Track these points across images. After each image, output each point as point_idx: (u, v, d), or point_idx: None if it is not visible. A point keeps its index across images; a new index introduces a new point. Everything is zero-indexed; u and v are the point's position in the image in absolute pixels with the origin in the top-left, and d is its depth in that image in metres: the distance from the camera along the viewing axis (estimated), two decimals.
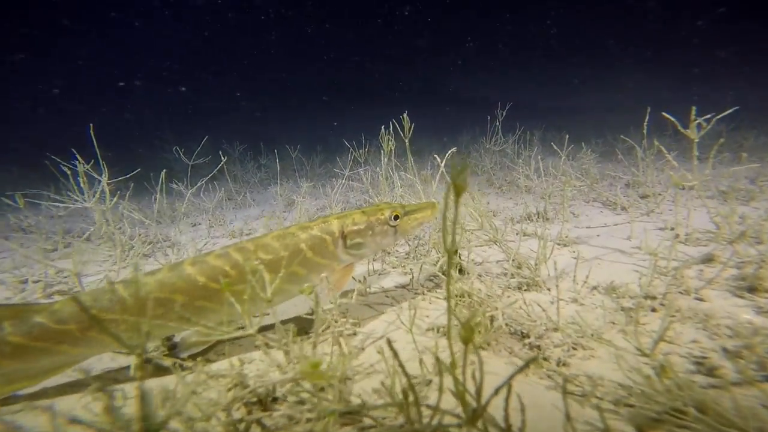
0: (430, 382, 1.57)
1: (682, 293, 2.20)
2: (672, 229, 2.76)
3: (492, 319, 1.88)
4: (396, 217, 2.12)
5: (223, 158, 4.25)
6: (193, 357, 1.65)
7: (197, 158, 4.76)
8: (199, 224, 4.59)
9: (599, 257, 2.90)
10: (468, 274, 2.51)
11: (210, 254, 1.72)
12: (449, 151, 2.76)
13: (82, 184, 2.74)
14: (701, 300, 2.13)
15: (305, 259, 1.89)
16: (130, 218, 3.88)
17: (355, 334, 2.03)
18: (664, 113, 2.54)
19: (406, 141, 2.73)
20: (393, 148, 2.94)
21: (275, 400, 1.40)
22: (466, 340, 0.82)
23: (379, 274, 2.90)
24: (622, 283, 2.32)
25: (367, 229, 2.05)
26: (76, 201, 2.83)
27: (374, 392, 1.49)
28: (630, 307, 2.05)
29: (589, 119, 15.45)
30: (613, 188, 4.90)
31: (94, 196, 2.99)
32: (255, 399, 1.36)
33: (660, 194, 4.54)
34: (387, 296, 2.52)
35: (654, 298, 2.08)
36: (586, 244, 3.21)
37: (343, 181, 4.33)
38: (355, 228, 2.03)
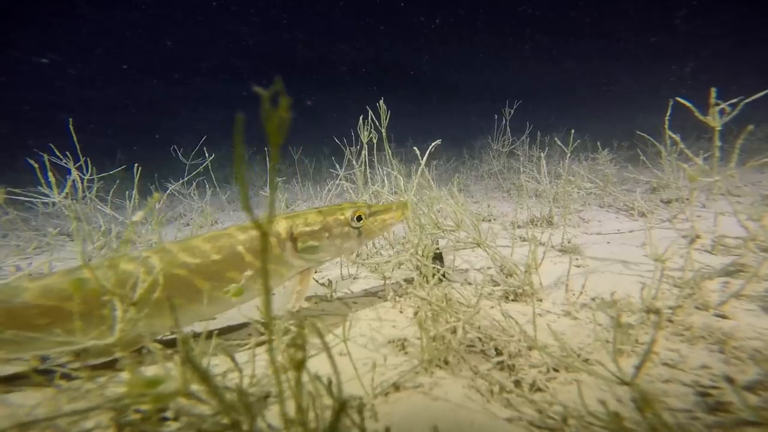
0: (364, 407, 1.29)
1: (698, 308, 1.83)
2: (693, 230, 2.36)
3: (454, 330, 1.59)
4: (360, 218, 1.88)
5: (208, 157, 4.12)
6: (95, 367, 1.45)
7: (202, 159, 4.67)
8: (187, 226, 4.50)
9: (605, 266, 2.53)
10: (447, 279, 2.21)
11: (123, 257, 1.50)
12: (432, 143, 2.49)
13: (50, 179, 2.65)
14: (723, 317, 1.75)
15: (244, 264, 1.66)
16: (120, 218, 3.82)
17: (303, 344, 1.78)
18: (678, 98, 2.19)
19: (383, 130, 2.48)
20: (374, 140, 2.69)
21: (164, 419, 1.17)
22: (296, 362, 0.57)
23: (354, 278, 2.64)
24: (625, 295, 1.97)
25: (323, 230, 1.81)
26: (47, 197, 2.75)
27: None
28: (630, 323, 1.70)
29: (618, 120, 14.67)
30: (632, 192, 4.44)
31: (84, 193, 2.92)
32: (138, 416, 1.13)
33: (687, 199, 4.06)
34: (355, 302, 2.26)
35: (657, 312, 1.72)
36: (591, 252, 2.84)
37: (337, 181, 4.12)
38: (308, 229, 1.79)
